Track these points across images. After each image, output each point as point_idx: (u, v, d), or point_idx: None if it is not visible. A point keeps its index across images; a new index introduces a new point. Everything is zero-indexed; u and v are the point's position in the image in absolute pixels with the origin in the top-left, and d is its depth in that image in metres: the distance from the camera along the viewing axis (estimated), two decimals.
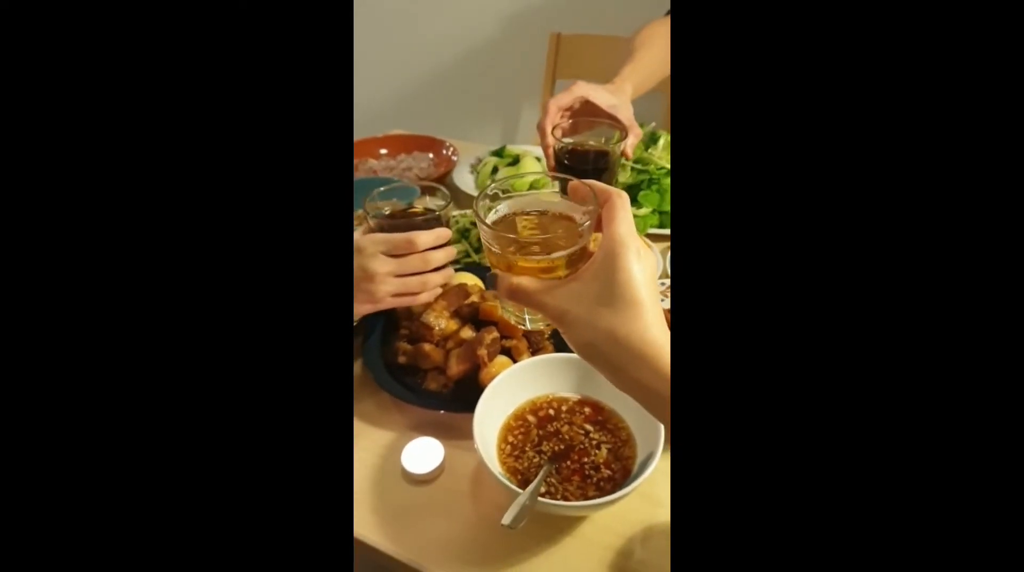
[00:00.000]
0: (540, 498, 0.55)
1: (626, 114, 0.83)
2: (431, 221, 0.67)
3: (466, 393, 0.71)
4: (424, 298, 0.70)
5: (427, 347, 0.75)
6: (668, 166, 1.05)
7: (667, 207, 1.03)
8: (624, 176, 1.05)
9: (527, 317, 0.44)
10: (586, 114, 0.83)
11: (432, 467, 0.65)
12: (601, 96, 0.82)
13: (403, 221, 0.67)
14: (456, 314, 0.78)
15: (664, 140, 1.09)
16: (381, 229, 0.67)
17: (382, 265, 0.64)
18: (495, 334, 0.74)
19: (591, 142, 0.82)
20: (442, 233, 0.66)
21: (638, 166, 1.06)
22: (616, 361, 0.35)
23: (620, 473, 0.61)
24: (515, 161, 1.17)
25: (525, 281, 0.38)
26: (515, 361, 0.74)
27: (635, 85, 0.90)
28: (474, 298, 0.79)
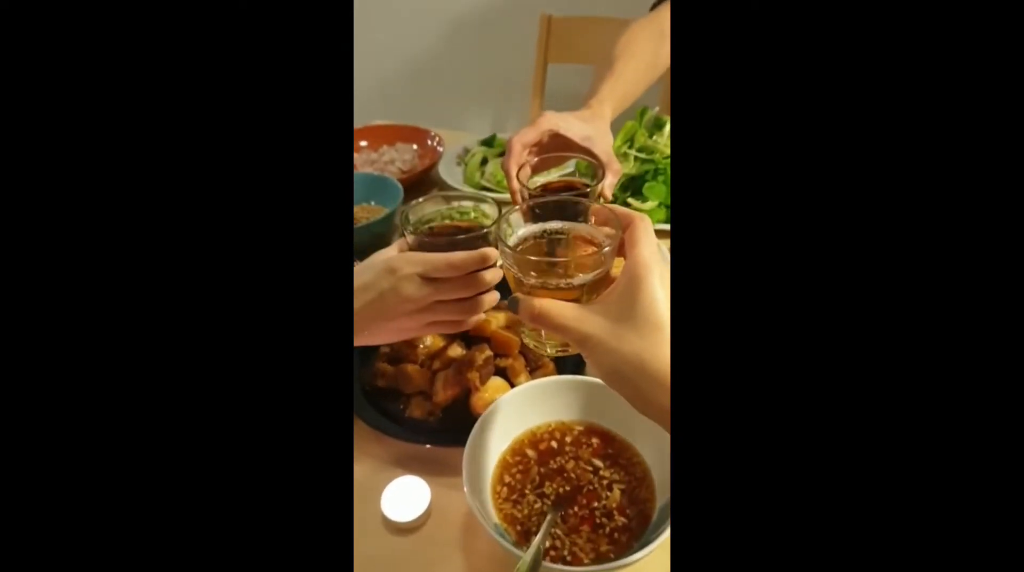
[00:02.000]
0: (545, 563, 0.46)
1: (603, 146, 0.71)
2: (477, 239, 0.55)
3: (456, 422, 0.61)
4: (467, 327, 0.60)
5: (410, 368, 0.66)
6: None
7: None
8: (627, 166, 0.95)
9: (547, 342, 0.44)
10: (557, 149, 0.71)
11: (417, 513, 0.55)
12: (573, 127, 0.70)
13: (445, 238, 0.56)
14: None
15: (669, 126, 0.99)
16: (421, 246, 0.56)
17: (419, 289, 0.53)
18: (488, 353, 0.65)
19: (562, 183, 0.69)
20: (489, 254, 0.54)
21: (642, 155, 0.97)
22: (642, 387, 0.35)
23: (637, 520, 0.52)
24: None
25: (548, 305, 0.38)
26: (511, 383, 0.65)
27: (615, 104, 0.78)
28: None
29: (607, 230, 0.40)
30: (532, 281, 0.40)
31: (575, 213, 0.46)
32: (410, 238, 0.57)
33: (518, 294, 0.40)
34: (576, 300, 0.38)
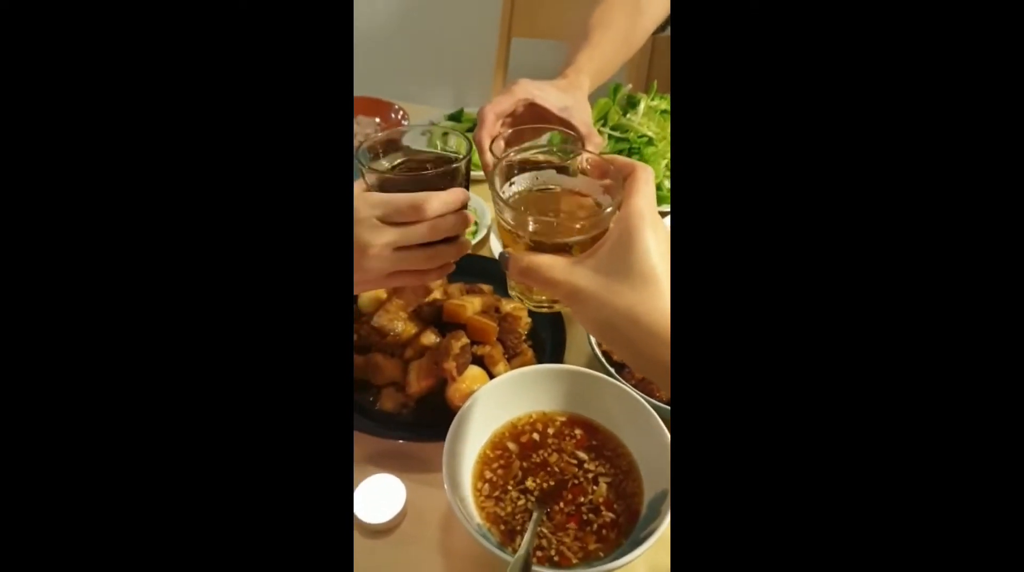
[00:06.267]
0: (536, 567, 0.43)
1: (582, 117, 0.66)
2: (446, 175, 0.48)
3: (430, 415, 0.58)
4: (433, 278, 0.54)
5: (380, 358, 0.61)
6: (650, 134, 0.93)
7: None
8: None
9: (535, 297, 0.44)
10: (532, 120, 0.65)
11: (392, 514, 0.52)
12: (550, 96, 0.65)
13: (410, 175, 0.49)
14: (416, 315, 0.65)
15: (644, 104, 0.97)
16: (382, 186, 0.49)
17: (379, 235, 0.47)
18: (464, 340, 0.61)
19: (540, 156, 0.65)
20: (458, 195, 0.48)
21: (616, 133, 0.94)
22: (635, 340, 0.34)
23: (625, 516, 0.50)
24: (474, 126, 1.03)
25: (537, 259, 0.37)
26: (489, 372, 0.61)
27: (593, 76, 0.73)
28: (437, 294, 0.66)
29: (605, 182, 0.39)
30: (529, 236, 0.38)
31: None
32: (369, 176, 0.49)
33: (508, 250, 0.39)
34: (568, 253, 0.37)
